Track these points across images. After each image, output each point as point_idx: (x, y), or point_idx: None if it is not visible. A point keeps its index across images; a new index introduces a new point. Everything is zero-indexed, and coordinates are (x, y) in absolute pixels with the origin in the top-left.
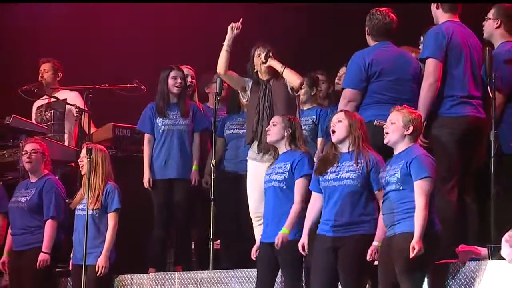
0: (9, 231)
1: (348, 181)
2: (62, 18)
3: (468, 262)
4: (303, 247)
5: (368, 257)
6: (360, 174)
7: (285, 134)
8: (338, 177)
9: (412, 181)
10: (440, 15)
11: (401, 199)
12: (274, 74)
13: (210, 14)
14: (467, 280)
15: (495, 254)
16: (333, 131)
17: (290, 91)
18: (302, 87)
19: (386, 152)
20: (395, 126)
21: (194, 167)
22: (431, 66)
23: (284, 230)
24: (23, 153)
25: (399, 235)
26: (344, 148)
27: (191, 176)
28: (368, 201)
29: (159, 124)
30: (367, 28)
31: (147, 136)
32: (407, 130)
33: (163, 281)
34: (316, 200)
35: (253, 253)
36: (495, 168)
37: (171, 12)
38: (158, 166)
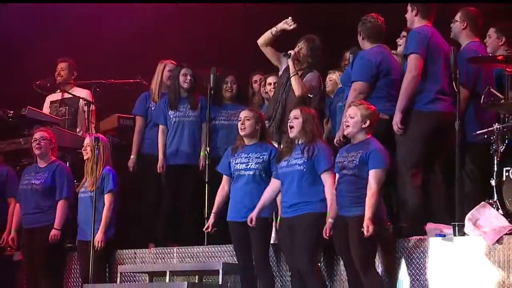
0: (16, 209)
1: (296, 166)
2: (74, 17)
3: (434, 237)
4: (251, 220)
5: (324, 234)
6: (306, 160)
7: (257, 127)
8: (289, 164)
9: (368, 170)
10: (417, 20)
11: (357, 184)
12: (307, 65)
13: (209, 14)
14: (434, 255)
15: (460, 231)
16: (291, 127)
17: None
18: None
19: (386, 141)
20: (354, 121)
21: (202, 154)
22: (414, 61)
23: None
24: (32, 140)
25: (353, 218)
26: (298, 141)
27: (199, 162)
28: (315, 184)
29: (171, 116)
30: (361, 33)
31: (161, 127)
32: (364, 124)
33: (163, 255)
34: (272, 184)
35: (210, 227)
36: (461, 155)
37: (173, 13)
38: (170, 153)
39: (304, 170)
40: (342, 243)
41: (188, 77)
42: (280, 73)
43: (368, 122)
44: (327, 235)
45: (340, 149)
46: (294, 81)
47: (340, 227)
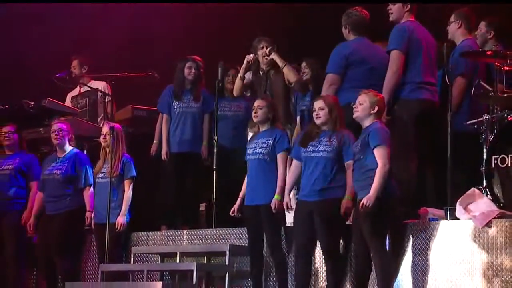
0: (37, 197)
1: (324, 153)
2: (90, 15)
3: (427, 221)
4: (287, 205)
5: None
6: (334, 148)
7: (269, 116)
8: (316, 149)
9: (370, 151)
10: (406, 15)
11: (362, 167)
12: (274, 65)
13: (216, 11)
14: (427, 237)
15: (451, 215)
16: (318, 117)
17: (287, 82)
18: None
19: (357, 128)
20: (363, 106)
21: (204, 143)
22: (395, 56)
23: (277, 197)
24: (51, 132)
25: (361, 199)
26: (324, 127)
27: (201, 151)
28: (339, 171)
29: (175, 107)
30: (346, 25)
31: (165, 117)
32: (373, 110)
33: (173, 237)
34: (296, 167)
35: (235, 211)
36: (453, 144)
37: (182, 12)
38: (174, 142)
39: (331, 157)
40: (356, 226)
41: (193, 70)
42: (250, 76)
43: (376, 108)
44: (346, 215)
45: None
46: (287, 70)
47: (356, 211)
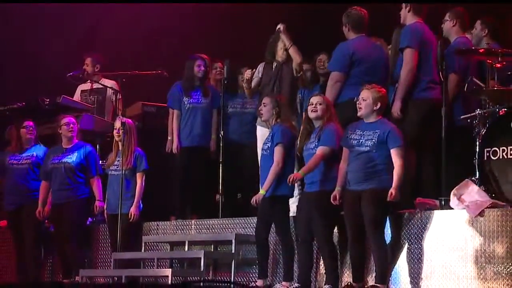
0: (43, 186)
1: (309, 150)
2: (101, 14)
3: (423, 211)
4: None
5: (332, 200)
6: (316, 144)
7: (274, 112)
8: (306, 147)
9: (384, 147)
10: (409, 16)
11: (372, 160)
12: (287, 59)
13: (221, 12)
14: (423, 226)
15: (446, 205)
16: (315, 110)
17: (295, 72)
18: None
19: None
20: (366, 103)
21: (213, 137)
22: (409, 54)
23: (261, 191)
24: (63, 125)
25: (369, 191)
26: (317, 124)
27: (210, 144)
28: (324, 163)
29: (185, 103)
30: (346, 24)
31: (176, 112)
32: (376, 106)
33: (182, 227)
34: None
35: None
36: (448, 137)
37: (189, 11)
38: (184, 136)
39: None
40: (352, 215)
41: (202, 68)
42: (260, 74)
43: (379, 104)
44: (336, 201)
45: (350, 126)
46: (293, 51)
47: (352, 200)
